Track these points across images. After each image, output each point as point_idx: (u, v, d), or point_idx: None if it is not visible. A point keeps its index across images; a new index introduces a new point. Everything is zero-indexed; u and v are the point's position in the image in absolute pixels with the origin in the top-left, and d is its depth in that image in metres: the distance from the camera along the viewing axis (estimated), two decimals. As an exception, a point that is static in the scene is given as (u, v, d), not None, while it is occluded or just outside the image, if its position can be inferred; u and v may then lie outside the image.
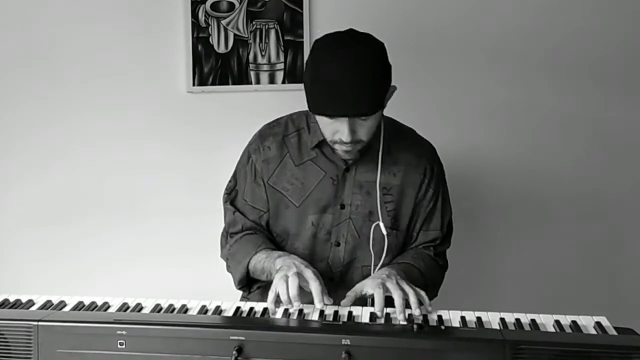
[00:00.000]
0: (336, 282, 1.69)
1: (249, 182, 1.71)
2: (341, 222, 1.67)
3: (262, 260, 1.57)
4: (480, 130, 2.47)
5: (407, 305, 1.39)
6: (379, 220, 1.63)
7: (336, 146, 1.56)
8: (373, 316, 1.39)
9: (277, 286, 1.38)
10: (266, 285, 1.59)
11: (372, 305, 1.42)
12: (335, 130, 1.52)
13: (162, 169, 2.56)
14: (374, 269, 1.63)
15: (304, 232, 1.67)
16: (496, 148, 2.48)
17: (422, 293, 1.44)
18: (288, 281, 1.38)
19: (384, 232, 1.62)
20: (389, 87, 1.54)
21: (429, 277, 1.66)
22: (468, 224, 2.46)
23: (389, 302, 1.41)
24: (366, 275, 1.64)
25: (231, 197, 1.75)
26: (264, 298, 1.63)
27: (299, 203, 1.66)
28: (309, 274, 1.40)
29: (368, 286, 1.47)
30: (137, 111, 2.54)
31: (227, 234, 1.74)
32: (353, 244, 1.67)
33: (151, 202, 2.57)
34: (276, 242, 1.71)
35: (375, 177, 1.65)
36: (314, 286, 1.38)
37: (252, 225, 1.70)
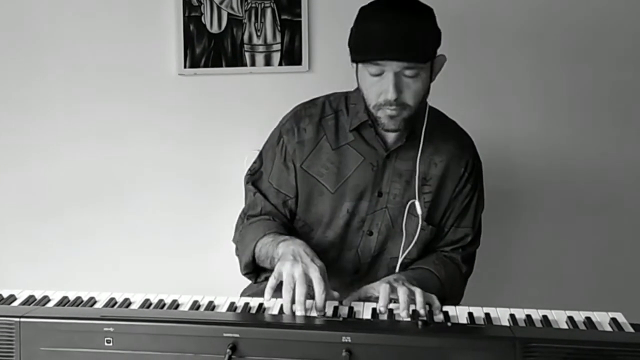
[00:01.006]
0: (361, 275, 1.68)
1: (277, 163, 1.69)
2: (377, 211, 1.66)
3: (267, 244, 1.56)
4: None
5: (412, 303, 1.39)
6: (419, 207, 1.61)
7: (380, 113, 1.54)
8: (375, 312, 1.39)
9: (283, 289, 1.35)
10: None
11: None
12: (380, 90, 1.51)
13: (151, 159, 2.55)
14: (403, 251, 1.63)
15: (337, 220, 1.66)
16: (498, 139, 2.48)
17: (433, 296, 1.43)
18: (295, 289, 1.34)
19: (419, 211, 1.60)
20: (439, 44, 1.53)
21: (448, 287, 1.64)
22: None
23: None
24: (392, 269, 1.64)
25: (254, 177, 1.73)
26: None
27: (334, 189, 1.65)
28: (315, 274, 1.35)
29: (374, 288, 1.47)
30: (123, 96, 2.54)
31: (244, 216, 1.73)
32: (386, 234, 1.67)
33: (140, 195, 2.57)
34: (298, 232, 1.69)
35: (415, 165, 1.64)
36: (318, 291, 1.34)
37: (272, 210, 1.68)
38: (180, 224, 2.56)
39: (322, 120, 1.67)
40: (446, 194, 1.68)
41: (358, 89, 1.60)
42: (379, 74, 1.49)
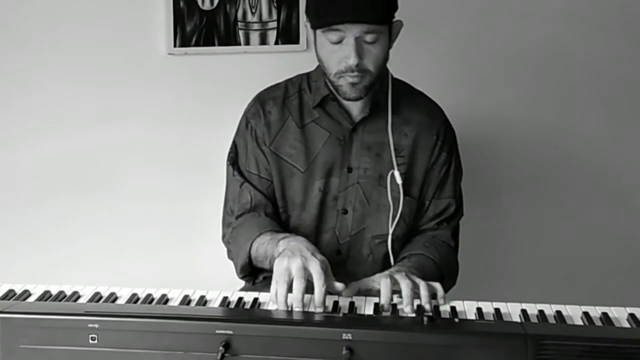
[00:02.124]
0: (344, 256, 1.71)
1: (250, 149, 1.73)
2: (349, 187, 1.70)
3: (265, 243, 1.57)
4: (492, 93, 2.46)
5: (416, 297, 1.39)
6: (387, 182, 1.66)
7: (341, 81, 1.59)
8: (378, 308, 1.39)
9: (278, 284, 1.35)
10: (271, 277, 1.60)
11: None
12: (341, 57, 1.56)
13: (138, 144, 2.55)
14: (392, 222, 1.66)
15: (311, 201, 1.70)
16: (516, 114, 2.48)
17: (437, 285, 1.44)
18: (293, 284, 1.34)
19: (399, 180, 1.66)
20: (396, 7, 1.60)
21: (444, 267, 1.68)
22: (484, 202, 2.46)
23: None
24: (375, 247, 1.67)
25: (236, 167, 1.76)
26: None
27: (304, 168, 1.69)
28: (315, 267, 1.36)
29: (375, 281, 1.48)
30: (109, 77, 2.53)
31: (231, 213, 1.75)
32: (361, 212, 1.70)
33: (126, 183, 2.57)
34: (281, 220, 1.72)
35: (384, 137, 1.68)
36: (317, 285, 1.34)
37: (262, 199, 1.70)
38: (169, 212, 2.56)
39: (285, 101, 1.73)
40: (420, 165, 1.72)
41: (318, 67, 1.68)
42: (339, 41, 1.55)
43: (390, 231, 1.68)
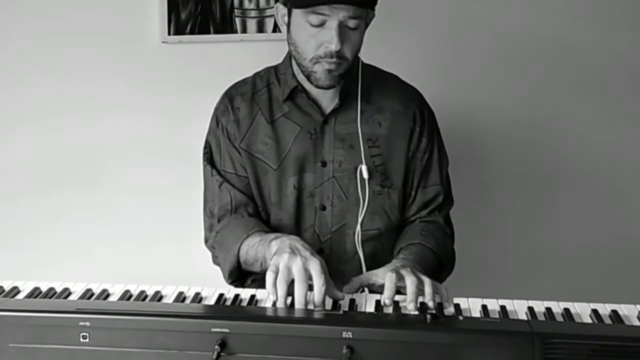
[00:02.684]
0: (327, 254, 1.70)
1: (224, 148, 1.73)
2: (324, 182, 1.70)
3: (255, 245, 1.56)
4: (483, 84, 2.46)
5: (420, 294, 1.39)
6: (359, 174, 1.66)
7: (317, 67, 1.59)
8: (380, 305, 1.38)
9: (278, 282, 1.34)
10: (262, 278, 1.58)
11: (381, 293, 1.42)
12: (320, 41, 1.56)
13: (131, 135, 2.55)
14: (359, 218, 1.66)
15: (287, 199, 1.69)
16: (511, 105, 2.47)
17: (443, 289, 1.43)
18: (295, 289, 1.33)
19: (365, 175, 1.66)
20: None
21: (443, 255, 1.68)
22: (486, 195, 2.45)
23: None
24: (361, 244, 1.66)
25: (214, 166, 1.75)
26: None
27: (276, 165, 1.69)
28: (315, 267, 1.35)
29: (378, 275, 1.47)
30: (101, 66, 2.52)
31: (211, 214, 1.74)
32: (340, 207, 1.70)
33: (119, 176, 2.57)
34: (263, 219, 1.71)
35: (357, 128, 1.68)
36: (317, 284, 1.33)
37: (243, 199, 1.70)
38: (164, 206, 2.56)
39: (254, 96, 1.74)
40: (399, 154, 1.71)
41: (285, 59, 1.72)
42: (320, 24, 1.54)
43: (358, 228, 1.66)
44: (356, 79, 1.68)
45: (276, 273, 1.35)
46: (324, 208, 1.70)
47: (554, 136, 2.49)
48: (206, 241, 1.77)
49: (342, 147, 1.69)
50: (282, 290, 1.33)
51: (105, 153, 2.56)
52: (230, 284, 1.68)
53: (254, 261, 1.56)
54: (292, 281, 1.34)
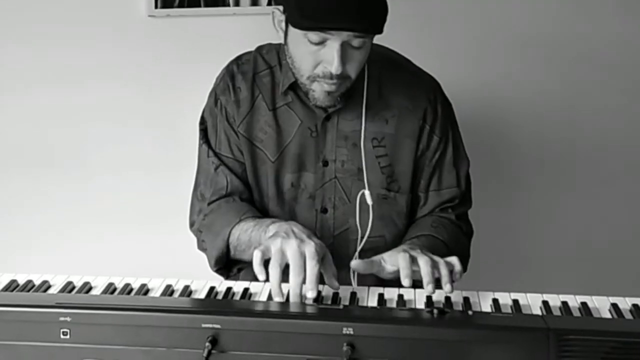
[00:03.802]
0: None
1: (221, 129, 1.71)
2: (326, 183, 1.67)
3: (248, 230, 1.55)
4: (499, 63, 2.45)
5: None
6: (364, 181, 1.62)
7: (314, 86, 1.55)
8: (382, 298, 1.39)
9: (270, 267, 1.33)
10: (250, 267, 1.59)
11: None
12: (319, 60, 1.50)
13: (116, 114, 2.54)
14: (358, 247, 1.63)
15: (282, 196, 1.68)
16: (527, 86, 2.46)
17: (454, 260, 1.42)
18: (290, 276, 1.32)
19: (369, 201, 1.61)
20: (387, 12, 1.52)
21: (454, 249, 1.64)
22: (497, 182, 2.45)
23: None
24: (362, 250, 1.64)
25: (211, 147, 1.73)
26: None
27: (274, 157, 1.67)
28: (310, 249, 1.34)
29: (386, 260, 1.45)
30: (84, 41, 2.51)
31: (201, 198, 1.73)
32: (343, 210, 1.68)
33: (102, 157, 2.56)
34: (259, 211, 1.70)
35: (362, 126, 1.65)
36: (309, 266, 1.33)
37: (239, 186, 1.68)
38: (150, 189, 2.56)
39: (255, 77, 1.69)
40: (407, 154, 1.68)
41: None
42: (321, 42, 1.48)
43: (356, 255, 1.63)
44: (363, 74, 1.62)
45: (263, 252, 1.34)
46: (325, 211, 1.68)
47: (571, 122, 2.49)
48: (192, 225, 1.75)
49: (345, 146, 1.66)
50: (275, 276, 1.32)
51: (89, 132, 2.55)
52: (216, 271, 1.67)
53: (246, 247, 1.55)
54: (288, 267, 1.34)
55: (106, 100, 2.53)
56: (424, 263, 1.37)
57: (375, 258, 1.46)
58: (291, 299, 1.31)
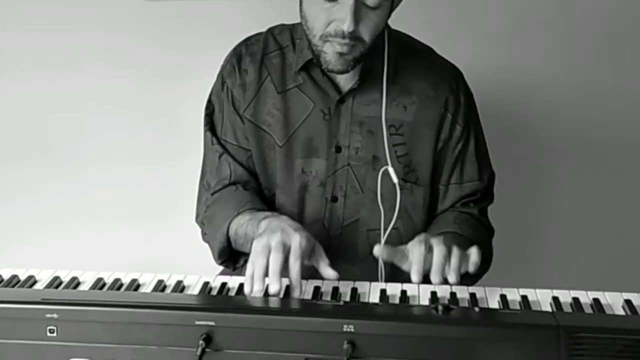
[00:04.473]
0: (335, 251, 1.68)
1: (227, 114, 1.71)
2: (337, 170, 1.67)
3: (244, 224, 1.56)
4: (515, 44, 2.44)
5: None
6: (388, 169, 1.61)
7: (326, 47, 1.54)
8: (385, 294, 1.38)
9: (255, 260, 1.35)
10: None
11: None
12: (332, 18, 1.50)
13: (109, 100, 2.54)
14: (384, 233, 1.61)
15: (292, 183, 1.68)
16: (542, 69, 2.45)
17: (472, 250, 1.42)
18: (269, 256, 1.34)
19: (395, 179, 1.60)
20: None
21: (480, 246, 1.63)
22: (506, 170, 2.44)
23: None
24: (373, 243, 1.63)
25: (214, 131, 1.73)
26: None
27: (282, 142, 1.67)
28: (295, 242, 1.35)
29: (404, 254, 1.45)
30: (77, 25, 2.50)
31: (207, 187, 1.73)
32: (354, 200, 1.68)
33: (94, 145, 2.56)
34: (265, 197, 1.70)
35: (379, 110, 1.64)
36: (290, 262, 1.33)
37: (244, 174, 1.69)
38: (143, 179, 2.56)
39: (264, 58, 1.69)
40: (426, 144, 1.67)
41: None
42: None
43: (383, 239, 1.60)
44: (381, 54, 1.62)
45: (252, 268, 1.34)
46: (335, 199, 1.68)
47: (589, 107, 2.48)
48: (197, 217, 1.76)
49: (360, 132, 1.66)
50: (259, 265, 1.31)
51: (80, 118, 2.55)
52: (221, 264, 1.68)
53: (244, 241, 1.56)
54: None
55: (102, 87, 2.53)
56: (437, 252, 1.37)
57: (401, 247, 1.46)
58: (269, 280, 1.30)
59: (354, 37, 1.50)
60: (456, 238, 1.60)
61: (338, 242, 1.70)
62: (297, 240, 1.35)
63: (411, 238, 1.62)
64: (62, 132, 2.56)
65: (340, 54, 1.53)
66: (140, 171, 2.56)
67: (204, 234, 1.73)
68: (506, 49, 2.45)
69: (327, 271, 1.39)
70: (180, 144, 2.51)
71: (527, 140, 2.50)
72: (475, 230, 1.67)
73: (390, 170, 1.60)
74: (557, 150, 2.52)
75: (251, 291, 1.32)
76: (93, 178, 2.57)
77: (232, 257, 1.65)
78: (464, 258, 1.40)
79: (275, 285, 1.30)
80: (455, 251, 1.40)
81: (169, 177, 2.54)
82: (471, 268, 1.40)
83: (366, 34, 1.52)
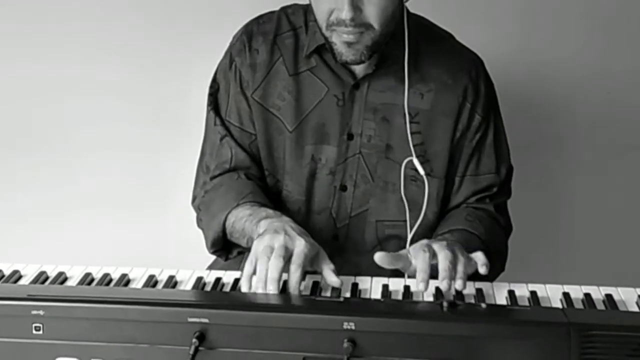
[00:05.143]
0: (341, 242, 1.70)
1: (233, 94, 1.71)
2: (348, 158, 1.67)
3: (243, 219, 1.56)
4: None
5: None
6: (412, 155, 1.61)
7: (334, 37, 1.54)
8: (387, 290, 1.39)
9: (258, 260, 1.35)
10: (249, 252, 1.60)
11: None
12: (332, 7, 1.51)
13: (100, 86, 2.53)
14: (412, 230, 1.61)
15: (300, 170, 1.68)
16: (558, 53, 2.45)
17: (478, 254, 1.42)
18: (270, 262, 1.34)
19: (422, 171, 1.61)
20: None
21: (492, 246, 1.64)
22: (518, 159, 2.44)
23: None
24: (382, 234, 1.65)
25: (218, 114, 1.74)
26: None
27: (292, 126, 1.67)
28: (298, 247, 1.36)
29: (413, 250, 1.44)
30: (63, 12, 2.49)
31: (206, 170, 1.74)
32: (364, 189, 1.68)
33: (79, 130, 2.55)
34: (269, 188, 1.71)
35: (395, 97, 1.64)
36: (291, 269, 1.34)
37: (245, 159, 1.69)
38: (132, 167, 2.56)
39: (277, 39, 1.69)
40: (443, 134, 1.67)
41: None
42: None
43: (410, 237, 1.61)
44: (399, 38, 1.60)
45: (253, 264, 1.35)
46: (344, 188, 1.68)
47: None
48: (193, 200, 1.77)
49: (374, 120, 1.66)
50: (248, 268, 1.34)
51: (63, 101, 2.54)
52: (213, 253, 1.68)
53: (240, 236, 1.57)
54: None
55: (90, 73, 2.51)
56: (442, 258, 1.37)
57: (403, 252, 1.46)
58: (268, 284, 1.31)
59: (358, 24, 1.49)
60: (466, 236, 1.60)
61: (345, 233, 1.70)
62: (300, 246, 1.36)
63: (424, 231, 1.64)
64: (47, 123, 2.56)
65: (349, 44, 1.52)
66: (129, 162, 2.56)
67: (199, 220, 1.73)
68: (518, 34, 2.45)
69: (332, 278, 1.39)
70: (169, 134, 2.51)
71: (540, 129, 2.50)
72: (488, 229, 1.66)
73: (416, 161, 1.61)
74: (573, 139, 2.52)
75: (249, 289, 1.34)
76: (80, 169, 2.57)
77: (225, 247, 1.66)
78: (469, 262, 1.41)
79: (274, 291, 1.31)
80: (461, 257, 1.40)
81: (160, 168, 2.53)
82: (482, 270, 1.40)
83: (374, 20, 1.51)
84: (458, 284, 1.36)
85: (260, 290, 1.32)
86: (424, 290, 1.35)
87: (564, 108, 2.49)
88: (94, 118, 2.54)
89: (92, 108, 2.54)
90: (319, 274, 1.41)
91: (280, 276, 1.32)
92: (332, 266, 1.40)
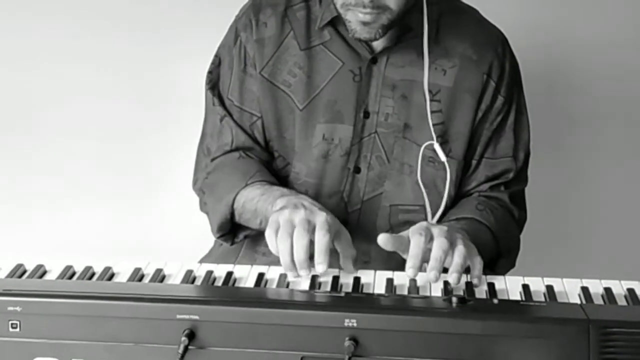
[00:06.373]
0: (352, 228, 1.69)
1: (236, 72, 1.72)
2: (364, 138, 1.68)
3: (254, 198, 1.58)
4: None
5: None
6: (432, 138, 1.63)
7: (349, 16, 1.56)
8: (391, 285, 1.39)
9: (279, 240, 1.37)
10: (257, 235, 1.61)
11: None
12: None
13: (87, 60, 2.53)
14: (433, 217, 1.64)
15: (311, 150, 1.69)
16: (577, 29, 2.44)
17: (477, 262, 1.43)
18: (294, 239, 1.36)
19: (443, 157, 1.63)
20: None
21: (502, 238, 1.66)
22: (535, 142, 2.45)
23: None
24: (395, 220, 1.66)
25: (217, 91, 1.75)
26: (254, 252, 1.65)
27: (303, 104, 1.68)
28: (320, 219, 1.38)
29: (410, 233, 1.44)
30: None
31: (207, 152, 1.75)
32: (378, 171, 1.69)
33: (63, 116, 2.55)
34: (275, 169, 1.72)
35: (415, 73, 1.65)
36: (318, 237, 1.36)
37: (246, 140, 1.70)
38: (119, 155, 2.56)
39: (287, 11, 1.70)
40: (465, 113, 1.69)
41: None
42: None
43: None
44: (421, 11, 1.63)
45: (274, 228, 1.38)
46: (358, 170, 1.69)
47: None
48: (194, 183, 1.78)
49: (392, 97, 1.67)
50: (284, 247, 1.35)
51: (47, 87, 2.54)
52: (219, 238, 1.70)
53: (251, 216, 1.59)
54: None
55: (76, 43, 2.52)
56: (436, 245, 1.37)
57: (404, 233, 1.46)
58: (297, 265, 1.34)
59: (376, 5, 1.51)
60: (475, 225, 1.62)
61: (356, 218, 1.71)
62: (323, 217, 1.38)
63: (440, 219, 1.66)
64: (26, 101, 2.56)
65: (364, 23, 1.54)
66: (117, 148, 2.56)
67: (203, 204, 1.74)
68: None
69: (349, 266, 1.41)
70: (165, 115, 2.52)
71: (557, 112, 2.51)
72: (500, 220, 1.67)
73: (437, 146, 1.63)
74: (595, 123, 2.53)
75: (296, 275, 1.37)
76: (61, 153, 2.57)
77: (232, 230, 1.67)
78: (470, 254, 1.41)
79: (305, 272, 1.35)
80: (460, 246, 1.40)
81: (151, 154, 2.53)
82: (475, 280, 1.41)
83: (393, 2, 1.52)
84: (450, 278, 1.36)
85: (291, 278, 1.35)
86: (412, 277, 1.35)
87: (583, 89, 2.50)
88: (76, 100, 2.55)
89: (74, 89, 2.55)
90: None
91: (308, 255, 1.34)
92: (353, 252, 1.41)
